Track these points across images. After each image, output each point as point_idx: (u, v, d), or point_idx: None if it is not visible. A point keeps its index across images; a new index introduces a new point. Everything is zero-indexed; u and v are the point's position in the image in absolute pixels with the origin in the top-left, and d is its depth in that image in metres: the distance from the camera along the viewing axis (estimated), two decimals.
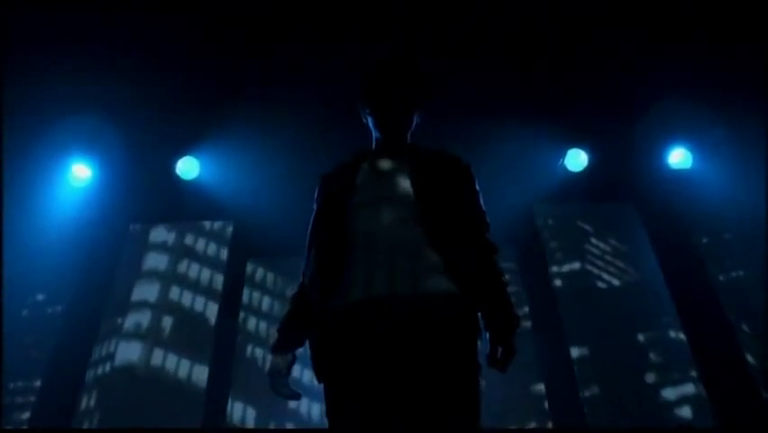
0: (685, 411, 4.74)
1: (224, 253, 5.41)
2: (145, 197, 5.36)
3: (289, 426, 4.80)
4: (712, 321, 4.93)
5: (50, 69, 4.61)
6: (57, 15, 4.30)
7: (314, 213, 2.08)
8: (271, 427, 4.81)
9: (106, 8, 4.29)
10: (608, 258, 5.43)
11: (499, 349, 1.81)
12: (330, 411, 1.76)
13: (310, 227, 2.05)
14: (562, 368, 4.89)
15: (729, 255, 5.40)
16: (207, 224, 5.55)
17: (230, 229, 5.53)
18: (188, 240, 5.46)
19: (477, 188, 2.08)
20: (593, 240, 5.52)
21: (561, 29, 4.54)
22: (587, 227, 5.61)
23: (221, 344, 4.98)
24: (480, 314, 1.86)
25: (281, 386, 1.94)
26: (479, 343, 1.82)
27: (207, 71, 4.78)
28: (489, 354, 1.82)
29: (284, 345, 1.97)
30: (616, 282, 5.31)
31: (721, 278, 5.30)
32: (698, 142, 5.30)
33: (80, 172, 5.22)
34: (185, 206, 5.37)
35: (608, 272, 5.36)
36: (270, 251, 5.41)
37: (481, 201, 2.06)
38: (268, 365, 1.98)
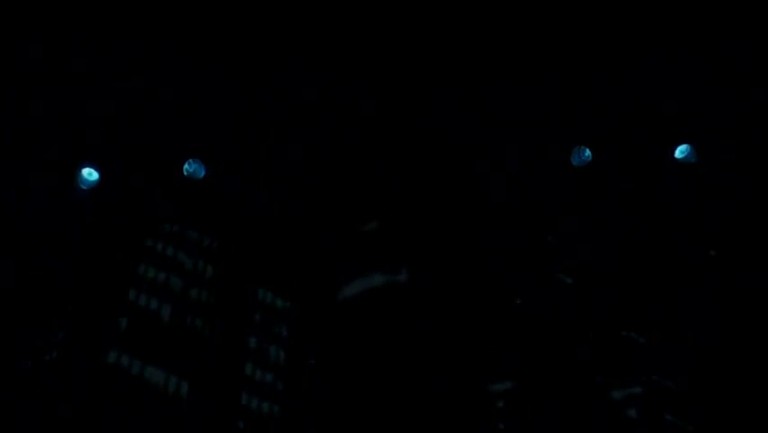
0: (632, 412, 4.67)
1: (181, 256, 5.53)
2: (152, 197, 5.48)
3: None
4: (713, 319, 4.89)
5: (54, 70, 4.77)
6: (59, 19, 4.43)
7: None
8: None
9: (110, 13, 4.39)
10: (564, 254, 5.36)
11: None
12: (333, 405, 1.74)
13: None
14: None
15: (730, 251, 5.27)
16: (167, 226, 5.68)
17: (187, 232, 5.66)
18: (148, 242, 5.59)
19: None
20: (550, 238, 5.45)
21: (562, 28, 4.51)
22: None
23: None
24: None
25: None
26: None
27: (214, 73, 4.87)
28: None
29: (299, 345, 1.91)
30: (568, 280, 5.24)
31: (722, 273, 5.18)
32: (701, 138, 5.20)
33: (88, 175, 5.33)
34: (192, 206, 5.50)
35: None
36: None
37: None
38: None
